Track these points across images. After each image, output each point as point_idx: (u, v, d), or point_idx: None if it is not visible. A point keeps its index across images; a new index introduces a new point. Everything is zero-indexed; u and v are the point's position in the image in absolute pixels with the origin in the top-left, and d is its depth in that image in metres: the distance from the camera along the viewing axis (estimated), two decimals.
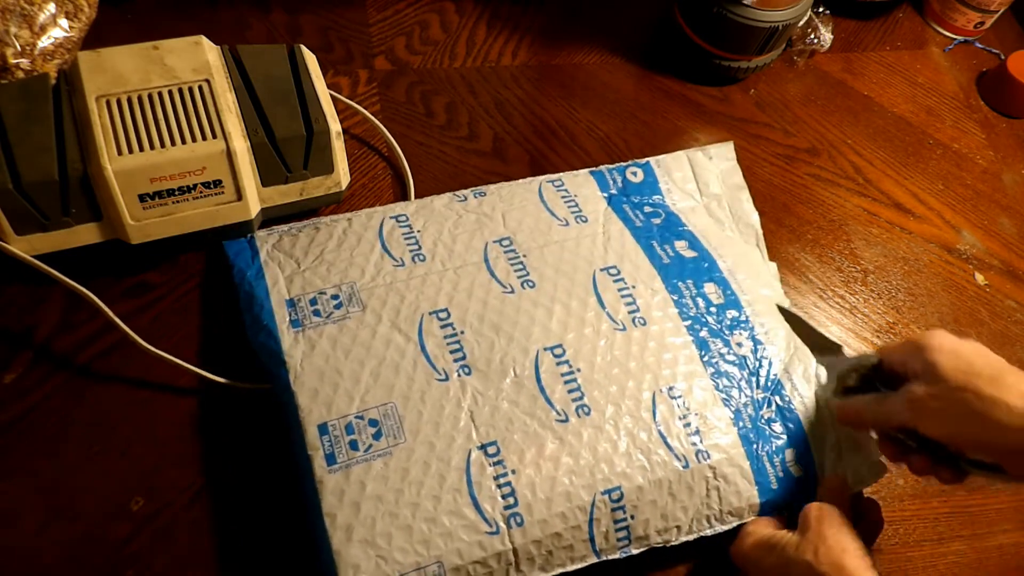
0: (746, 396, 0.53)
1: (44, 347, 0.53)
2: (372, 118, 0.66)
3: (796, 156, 0.74)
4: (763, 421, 0.52)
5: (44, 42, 0.57)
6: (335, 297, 0.52)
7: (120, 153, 0.50)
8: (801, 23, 0.76)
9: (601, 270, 0.56)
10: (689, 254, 0.59)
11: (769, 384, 0.54)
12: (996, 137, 0.81)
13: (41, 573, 0.46)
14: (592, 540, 0.47)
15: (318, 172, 0.57)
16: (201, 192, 0.53)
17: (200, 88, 0.52)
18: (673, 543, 0.49)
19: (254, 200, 0.55)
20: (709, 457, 0.49)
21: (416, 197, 0.63)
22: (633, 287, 0.55)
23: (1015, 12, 0.92)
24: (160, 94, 0.51)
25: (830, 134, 0.77)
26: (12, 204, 0.48)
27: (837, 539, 0.44)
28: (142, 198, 0.51)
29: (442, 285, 0.53)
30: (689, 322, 0.55)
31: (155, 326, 0.53)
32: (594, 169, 0.64)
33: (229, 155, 0.52)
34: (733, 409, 0.52)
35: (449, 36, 0.75)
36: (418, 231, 0.56)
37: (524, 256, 0.56)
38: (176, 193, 0.52)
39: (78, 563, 0.46)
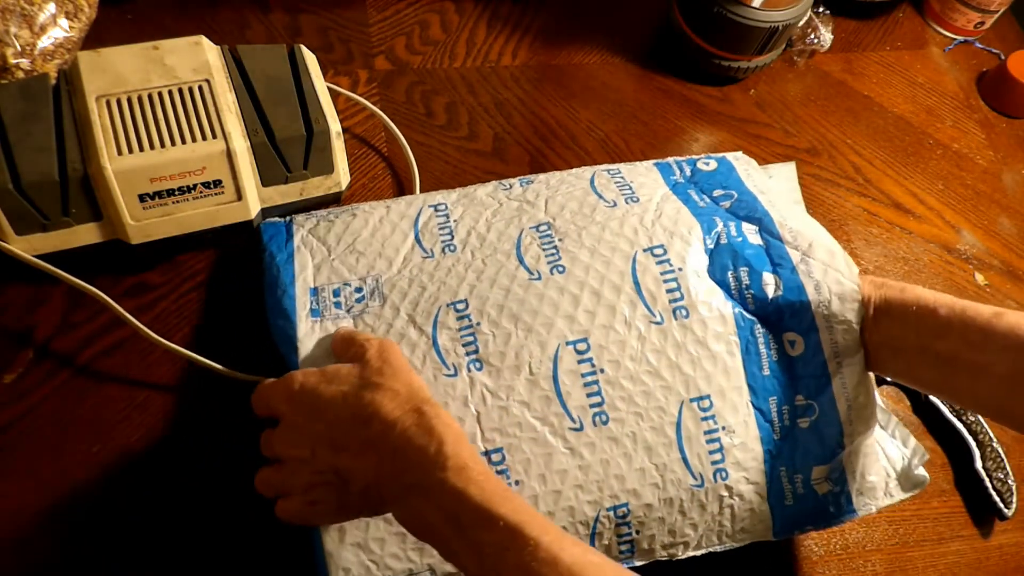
0: (785, 404, 0.48)
1: (44, 347, 0.53)
2: (378, 112, 0.66)
3: (796, 156, 0.74)
4: (796, 432, 0.47)
5: (44, 42, 0.57)
6: (359, 290, 0.49)
7: (120, 153, 0.50)
8: (801, 23, 0.76)
9: (644, 251, 0.49)
10: (755, 240, 0.51)
11: (815, 390, 0.48)
12: (996, 137, 0.81)
13: (42, 573, 0.46)
14: None
15: (318, 172, 0.57)
16: (201, 192, 0.53)
17: (200, 88, 0.52)
18: (679, 557, 0.47)
19: (254, 200, 0.55)
20: (727, 476, 0.46)
21: None
22: (679, 269, 0.48)
23: (1015, 12, 0.92)
24: (160, 94, 0.51)
25: (830, 134, 0.77)
26: (12, 204, 0.48)
27: (399, 362, 0.43)
28: (142, 198, 0.51)
29: (466, 275, 0.49)
30: (738, 314, 0.48)
31: (155, 326, 0.53)
32: (659, 161, 0.59)
33: (229, 155, 0.52)
34: (767, 420, 0.47)
35: (449, 36, 0.75)
36: (455, 220, 0.52)
37: (560, 240, 0.50)
38: (176, 193, 0.52)
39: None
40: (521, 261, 0.49)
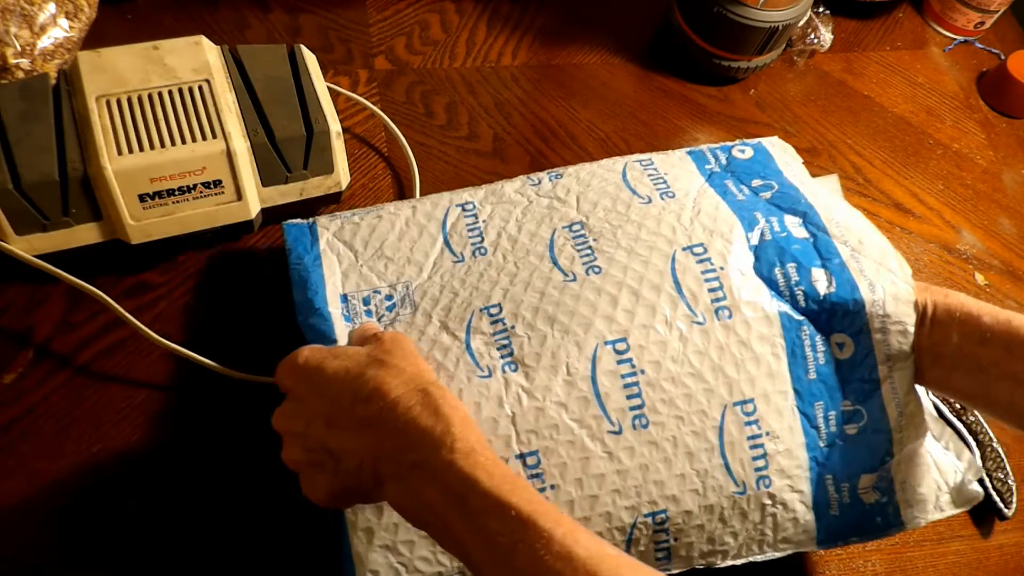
0: (832, 410, 0.46)
1: (44, 347, 0.53)
2: (378, 112, 0.66)
3: None
4: (843, 438, 0.46)
5: (44, 42, 0.57)
6: (389, 298, 0.47)
7: (120, 153, 0.50)
8: (801, 23, 0.76)
9: (683, 249, 0.47)
10: (800, 233, 0.49)
11: (863, 395, 0.46)
12: (996, 137, 0.81)
13: (42, 573, 0.46)
14: None
15: (318, 172, 0.57)
16: (201, 192, 0.53)
17: (200, 88, 0.52)
18: (718, 566, 0.45)
19: (254, 200, 0.55)
20: (771, 484, 0.44)
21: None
22: (721, 268, 0.46)
23: (1015, 12, 0.92)
24: (160, 94, 0.51)
25: (830, 134, 0.77)
26: (12, 204, 0.48)
27: (409, 347, 0.42)
28: (142, 198, 0.51)
29: (499, 279, 0.47)
30: (784, 315, 0.46)
31: (155, 326, 0.53)
32: (692, 149, 0.57)
33: (229, 155, 0.52)
34: (813, 426, 0.45)
35: (449, 36, 0.74)
36: (483, 221, 0.50)
37: (594, 240, 0.48)
38: (176, 193, 0.52)
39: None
40: (555, 263, 0.48)
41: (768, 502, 0.44)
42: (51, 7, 0.57)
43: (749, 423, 0.44)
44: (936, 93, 0.83)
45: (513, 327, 0.45)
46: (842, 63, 0.83)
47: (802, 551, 0.46)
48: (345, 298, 0.47)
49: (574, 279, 0.46)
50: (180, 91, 0.52)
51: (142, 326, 0.51)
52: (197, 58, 0.53)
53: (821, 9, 0.81)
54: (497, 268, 0.48)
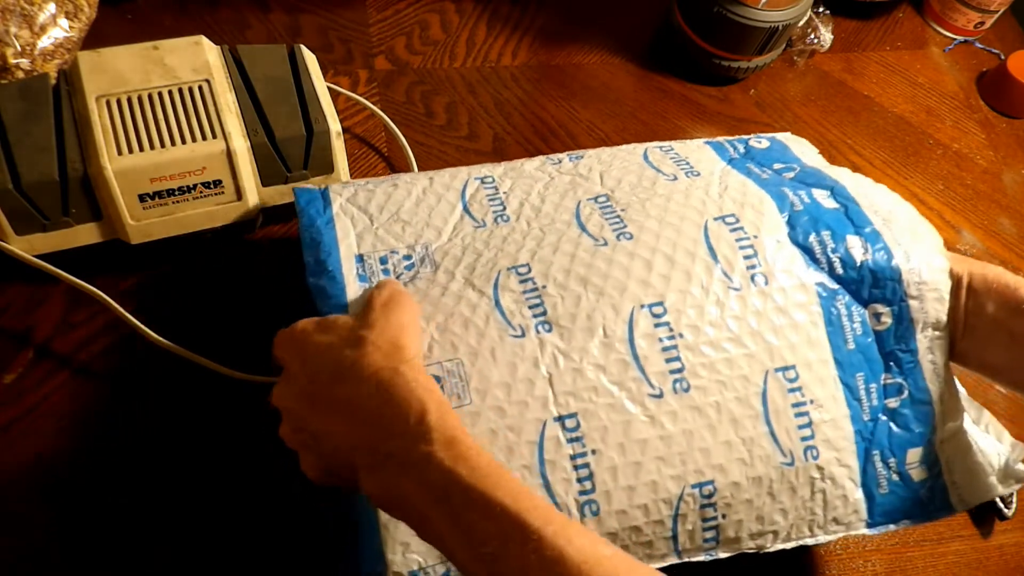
0: (872, 382, 0.45)
1: (44, 347, 0.53)
2: (378, 112, 0.66)
3: None
4: (886, 412, 0.45)
5: (44, 42, 0.57)
6: (407, 258, 0.45)
7: (120, 153, 0.50)
8: (801, 23, 0.76)
9: (715, 219, 0.46)
10: (830, 204, 0.48)
11: (904, 367, 0.45)
12: (996, 137, 0.81)
13: (42, 573, 0.46)
14: (675, 538, 0.41)
15: (318, 172, 0.57)
16: (201, 192, 0.53)
17: (200, 88, 0.52)
18: (767, 550, 0.43)
19: (254, 200, 0.55)
20: (818, 455, 0.43)
21: None
22: (755, 237, 0.45)
23: (1015, 12, 0.92)
24: (160, 94, 0.51)
25: (830, 134, 0.77)
26: (12, 204, 0.48)
27: (399, 318, 0.39)
28: (142, 198, 0.51)
29: (525, 243, 0.46)
30: (820, 284, 0.45)
31: (155, 325, 0.53)
32: (709, 140, 0.57)
33: (229, 155, 0.52)
34: (855, 398, 0.44)
35: (449, 36, 0.75)
36: (504, 192, 0.49)
37: (622, 211, 0.47)
38: (176, 193, 0.52)
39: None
40: (583, 229, 0.46)
41: (816, 475, 0.43)
42: (51, 7, 0.57)
43: (792, 390, 0.43)
44: (936, 93, 0.83)
45: (544, 287, 0.43)
46: (842, 63, 0.83)
47: (852, 534, 0.45)
48: (361, 258, 0.45)
49: (605, 244, 0.45)
50: (180, 91, 0.52)
51: (142, 326, 0.51)
52: (197, 58, 0.53)
53: (821, 9, 0.81)
54: (522, 233, 0.46)
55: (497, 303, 0.42)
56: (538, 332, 0.42)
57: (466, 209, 0.48)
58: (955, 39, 0.88)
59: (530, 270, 0.44)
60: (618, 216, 0.47)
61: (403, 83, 0.70)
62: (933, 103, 0.82)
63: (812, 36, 0.80)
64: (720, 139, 0.57)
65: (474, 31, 0.75)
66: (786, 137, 0.58)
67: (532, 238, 0.46)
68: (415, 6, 0.76)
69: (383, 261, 0.45)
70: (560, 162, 0.52)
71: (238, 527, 0.49)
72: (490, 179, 0.50)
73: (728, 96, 0.77)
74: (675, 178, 0.50)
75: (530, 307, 0.42)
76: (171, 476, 0.50)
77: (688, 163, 0.52)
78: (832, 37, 0.81)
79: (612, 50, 0.77)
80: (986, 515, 0.58)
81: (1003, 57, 0.85)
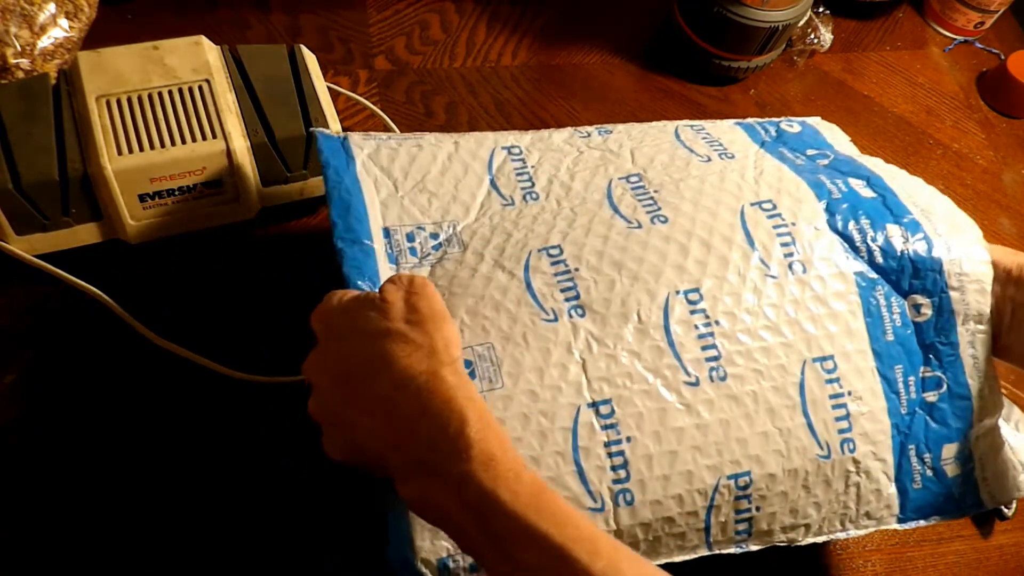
0: (911, 375, 0.44)
1: (44, 347, 0.53)
2: (379, 112, 0.66)
3: None
4: (924, 406, 0.44)
5: (44, 42, 0.57)
6: (434, 236, 0.44)
7: (120, 153, 0.50)
8: (801, 23, 0.76)
9: (752, 204, 0.45)
10: (867, 193, 0.47)
11: (944, 360, 0.44)
12: (996, 137, 0.81)
13: (44, 573, 0.46)
14: (707, 530, 0.41)
15: (318, 172, 0.57)
16: (201, 192, 0.53)
17: (200, 88, 0.52)
18: (799, 543, 0.43)
19: (254, 200, 0.55)
20: (855, 449, 0.42)
21: None
22: (792, 224, 0.45)
23: (1015, 12, 0.92)
24: (160, 94, 0.51)
25: None
26: (12, 204, 0.48)
27: (442, 316, 0.36)
28: (142, 198, 0.51)
29: (555, 223, 0.45)
30: (859, 273, 0.44)
31: (155, 325, 0.53)
32: (740, 120, 0.56)
33: (229, 155, 0.52)
34: (893, 391, 0.43)
35: (449, 36, 0.75)
36: (532, 167, 0.48)
37: (655, 192, 0.46)
38: (176, 193, 0.52)
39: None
40: (616, 210, 0.45)
41: (852, 469, 0.42)
42: (51, 7, 0.57)
43: (830, 381, 0.42)
44: (936, 93, 0.83)
45: (577, 269, 0.42)
46: (842, 63, 0.83)
47: (883, 528, 0.44)
48: (388, 233, 0.44)
49: (639, 227, 0.44)
50: (180, 91, 0.52)
51: (142, 326, 0.51)
52: (197, 58, 0.53)
53: (821, 9, 0.81)
54: (552, 212, 0.45)
55: (528, 286, 0.41)
56: (571, 317, 0.41)
57: (493, 184, 0.47)
58: (955, 39, 0.88)
59: (562, 252, 0.43)
60: (651, 198, 0.46)
61: (403, 83, 0.70)
62: (933, 103, 0.82)
63: (812, 36, 0.80)
64: (751, 121, 0.56)
65: (474, 31, 0.75)
66: (816, 122, 0.57)
67: (563, 218, 0.45)
68: (415, 6, 0.76)
69: (410, 238, 0.44)
70: (589, 135, 0.51)
71: (238, 527, 0.49)
72: (517, 149, 0.49)
73: (728, 96, 0.77)
74: (709, 159, 0.49)
75: (562, 290, 0.41)
76: (171, 476, 0.50)
77: (721, 144, 0.51)
78: (832, 37, 0.81)
79: (612, 50, 0.77)
80: (986, 515, 0.58)
81: (1003, 57, 0.85)
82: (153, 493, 0.49)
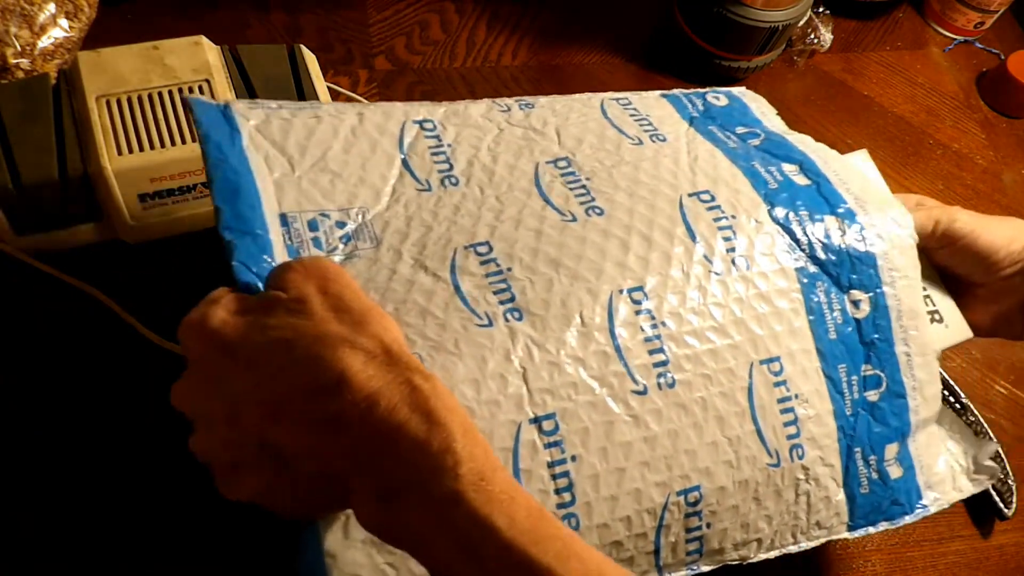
0: (854, 374, 0.42)
1: (44, 347, 0.53)
2: None
3: None
4: (866, 406, 0.43)
5: (44, 42, 0.57)
6: (341, 225, 0.38)
7: (120, 153, 0.50)
8: (801, 23, 0.76)
9: (690, 195, 0.43)
10: (802, 180, 0.45)
11: (882, 358, 0.43)
12: (996, 137, 0.81)
13: (44, 573, 0.46)
14: (657, 552, 0.38)
15: None
16: (201, 192, 0.53)
17: (200, 88, 0.52)
18: (751, 560, 0.41)
19: None
20: (804, 455, 0.40)
21: None
22: (733, 217, 0.42)
23: (1015, 12, 0.92)
24: (160, 94, 0.51)
25: (830, 134, 0.77)
26: (12, 204, 0.48)
27: (382, 313, 0.32)
28: (142, 198, 0.51)
29: (481, 214, 0.40)
30: (800, 268, 0.42)
31: (155, 326, 0.53)
32: (665, 92, 0.53)
33: None
34: (838, 391, 0.42)
35: (449, 36, 0.75)
36: (449, 145, 0.43)
37: (587, 179, 0.43)
38: (176, 193, 0.52)
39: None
40: (547, 201, 0.41)
41: (802, 476, 0.41)
42: (51, 7, 0.57)
43: (778, 383, 0.40)
44: (936, 93, 0.83)
45: (510, 269, 0.38)
46: (842, 63, 0.83)
47: (834, 539, 0.43)
48: (285, 219, 0.38)
49: (574, 219, 0.41)
50: (180, 91, 0.52)
51: (142, 326, 0.51)
52: (197, 58, 0.53)
53: (821, 9, 0.81)
54: (476, 202, 0.41)
55: (457, 288, 0.37)
56: (507, 320, 0.37)
57: (406, 164, 0.42)
58: (955, 39, 0.88)
59: (491, 249, 0.39)
60: (584, 186, 0.43)
61: (403, 83, 0.70)
62: (933, 103, 0.82)
63: (812, 36, 0.80)
64: (677, 92, 0.53)
65: (474, 31, 0.75)
66: (742, 92, 0.55)
67: (489, 209, 0.41)
68: (415, 6, 0.76)
69: (313, 227, 0.38)
70: (509, 109, 0.47)
71: (238, 527, 0.49)
72: (430, 124, 0.44)
73: None
74: (640, 142, 0.46)
75: (495, 292, 0.37)
76: (171, 476, 0.50)
77: (650, 122, 0.48)
78: (832, 37, 0.81)
79: (612, 50, 0.77)
80: (986, 515, 0.59)
81: (1003, 57, 0.85)
82: (153, 493, 0.49)
